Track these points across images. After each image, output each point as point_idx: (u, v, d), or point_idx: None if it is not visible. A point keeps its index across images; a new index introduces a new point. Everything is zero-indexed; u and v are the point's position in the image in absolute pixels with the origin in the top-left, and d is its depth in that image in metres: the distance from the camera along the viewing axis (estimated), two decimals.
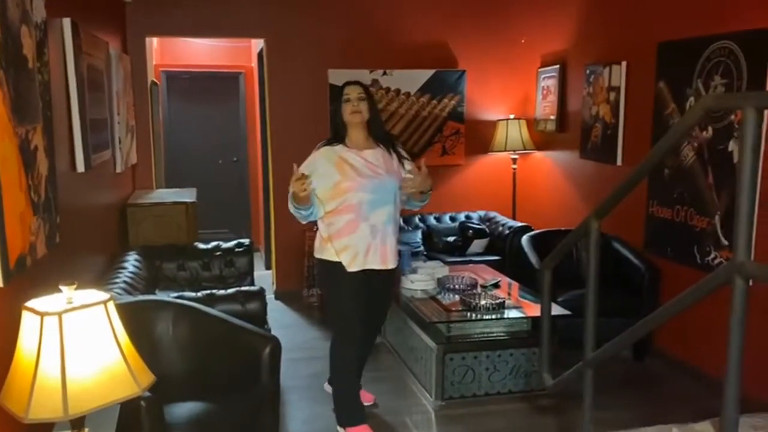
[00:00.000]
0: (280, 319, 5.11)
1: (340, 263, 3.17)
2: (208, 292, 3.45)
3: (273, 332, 3.69)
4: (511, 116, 5.92)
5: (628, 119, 4.60)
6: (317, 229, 3.33)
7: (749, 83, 3.48)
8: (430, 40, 5.82)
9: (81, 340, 1.60)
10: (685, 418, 2.10)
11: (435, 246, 5.61)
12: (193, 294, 3.39)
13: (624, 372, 4.12)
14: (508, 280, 4.42)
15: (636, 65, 4.49)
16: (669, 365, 4.15)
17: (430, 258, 5.34)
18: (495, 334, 3.73)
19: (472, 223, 5.75)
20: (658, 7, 4.28)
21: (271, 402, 2.92)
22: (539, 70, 5.83)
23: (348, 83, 3.27)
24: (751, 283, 1.71)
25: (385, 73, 5.74)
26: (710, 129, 3.76)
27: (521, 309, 3.87)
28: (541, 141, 5.84)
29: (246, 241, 4.63)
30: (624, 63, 4.58)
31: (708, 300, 1.90)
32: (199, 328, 3.02)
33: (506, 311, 3.77)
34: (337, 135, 3.24)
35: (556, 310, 3.65)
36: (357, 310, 3.23)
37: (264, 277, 6.01)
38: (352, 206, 3.12)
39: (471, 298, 3.77)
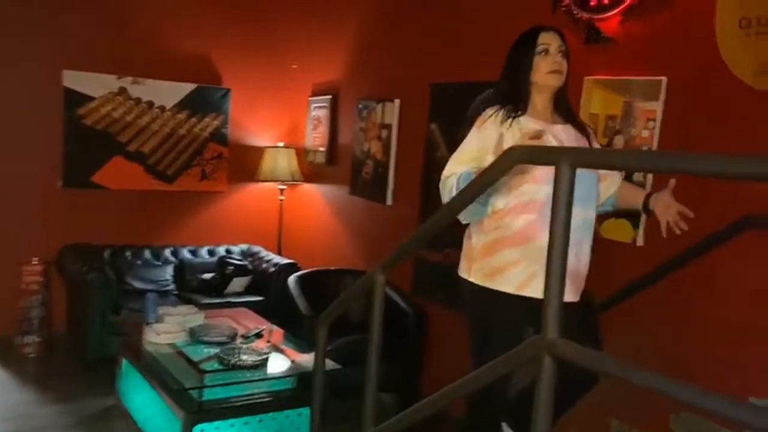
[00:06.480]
0: None
1: (499, 291, 2.23)
2: None
3: None
4: (280, 144, 5.53)
5: (400, 158, 4.48)
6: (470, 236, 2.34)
7: None
8: (192, 52, 5.18)
9: None
10: None
11: (188, 284, 4.93)
12: None
13: None
14: (272, 326, 3.96)
15: (409, 104, 4.40)
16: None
17: (182, 299, 4.66)
18: (256, 396, 3.22)
19: (233, 258, 5.18)
20: (429, 49, 4.23)
21: None
22: (310, 98, 5.55)
23: (543, 28, 2.33)
24: None
25: (136, 82, 4.95)
26: None
27: (287, 361, 3.43)
28: (311, 173, 5.54)
29: None
30: (397, 101, 4.47)
31: None
32: None
33: (269, 368, 3.30)
34: (518, 100, 2.29)
35: (328, 364, 3.28)
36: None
37: None
38: (536, 204, 2.19)
39: (229, 355, 3.23)
